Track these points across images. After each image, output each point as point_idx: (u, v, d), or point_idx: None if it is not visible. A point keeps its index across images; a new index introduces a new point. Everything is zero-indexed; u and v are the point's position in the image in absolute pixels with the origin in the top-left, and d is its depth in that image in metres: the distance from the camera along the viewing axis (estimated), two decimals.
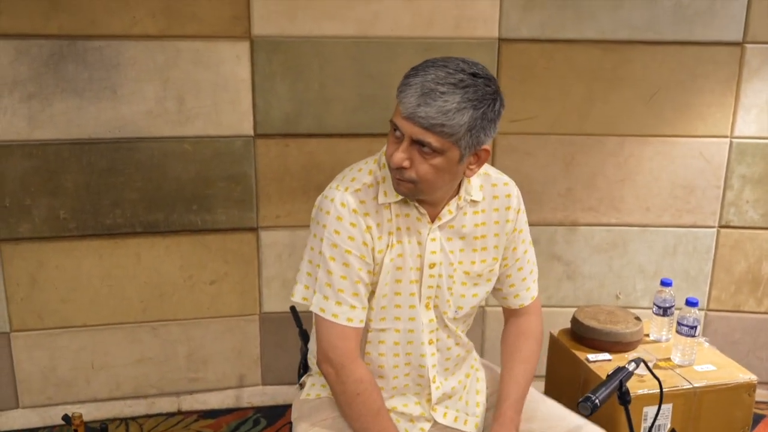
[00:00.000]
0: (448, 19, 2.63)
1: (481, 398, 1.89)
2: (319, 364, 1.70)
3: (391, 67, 2.67)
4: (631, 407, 1.74)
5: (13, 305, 2.65)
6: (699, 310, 2.93)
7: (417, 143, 1.52)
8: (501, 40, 2.67)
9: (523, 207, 1.81)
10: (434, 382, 1.78)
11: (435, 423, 1.81)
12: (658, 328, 2.44)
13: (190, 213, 2.69)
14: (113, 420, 2.81)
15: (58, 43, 2.48)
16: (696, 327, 2.25)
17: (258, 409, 2.94)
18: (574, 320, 2.44)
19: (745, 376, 2.21)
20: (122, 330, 2.76)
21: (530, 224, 2.77)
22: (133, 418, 2.84)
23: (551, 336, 2.50)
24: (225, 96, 2.61)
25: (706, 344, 2.43)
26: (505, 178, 1.79)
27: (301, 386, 1.93)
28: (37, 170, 2.56)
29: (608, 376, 1.73)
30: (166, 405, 2.88)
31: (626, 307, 2.78)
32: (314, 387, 1.84)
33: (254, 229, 2.76)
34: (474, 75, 1.51)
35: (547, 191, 2.82)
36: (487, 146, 1.60)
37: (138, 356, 2.80)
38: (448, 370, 1.83)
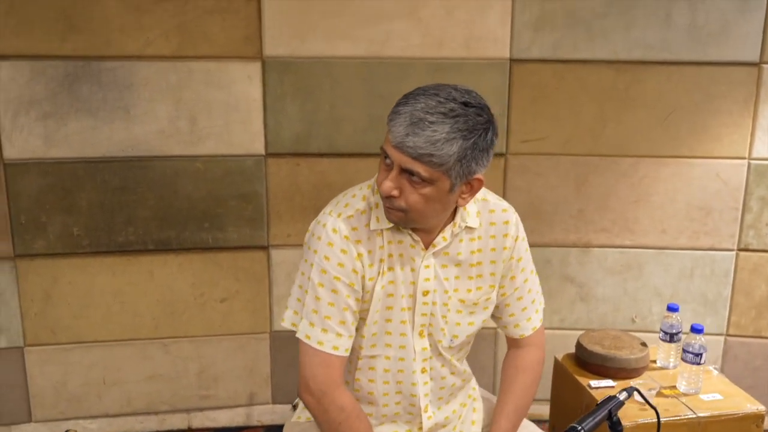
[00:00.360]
0: (458, 39, 2.67)
1: (477, 429, 1.90)
2: (299, 393, 1.70)
3: (402, 87, 2.65)
4: None
5: (27, 320, 2.73)
6: (718, 335, 2.93)
7: (406, 172, 1.53)
8: (512, 60, 2.69)
9: (522, 234, 1.80)
10: (426, 411, 1.78)
11: None
12: (665, 355, 2.42)
13: (201, 231, 2.76)
14: None
15: (73, 64, 2.56)
16: (702, 354, 2.23)
17: (268, 428, 2.98)
18: (578, 345, 2.44)
19: (753, 406, 2.19)
20: (134, 346, 2.82)
21: (543, 245, 2.82)
22: None
23: (555, 360, 2.50)
24: (237, 116, 2.67)
25: (715, 372, 2.40)
26: (504, 204, 1.79)
27: (294, 408, 1.96)
28: (52, 188, 2.64)
29: (597, 405, 1.73)
30: (176, 421, 2.94)
31: (642, 331, 2.77)
32: (305, 410, 1.86)
33: (265, 248, 2.81)
34: (465, 104, 1.51)
35: (559, 212, 2.83)
36: (480, 176, 1.59)
37: (149, 373, 2.86)
38: (442, 399, 1.83)
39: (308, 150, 2.73)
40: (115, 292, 2.76)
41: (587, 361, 2.38)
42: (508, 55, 2.69)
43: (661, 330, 2.43)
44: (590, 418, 1.58)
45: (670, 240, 2.85)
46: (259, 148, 2.71)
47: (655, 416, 1.75)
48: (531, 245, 2.88)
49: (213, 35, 2.59)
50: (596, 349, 2.38)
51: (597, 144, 2.77)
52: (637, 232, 2.85)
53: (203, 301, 2.82)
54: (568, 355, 2.49)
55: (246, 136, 2.69)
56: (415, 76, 2.68)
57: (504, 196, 2.77)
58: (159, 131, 2.65)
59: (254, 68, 2.64)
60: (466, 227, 1.71)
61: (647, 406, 2.09)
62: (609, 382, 2.30)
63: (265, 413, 3.01)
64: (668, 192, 2.81)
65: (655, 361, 2.45)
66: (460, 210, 1.68)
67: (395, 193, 1.55)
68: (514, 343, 1.89)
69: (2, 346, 2.72)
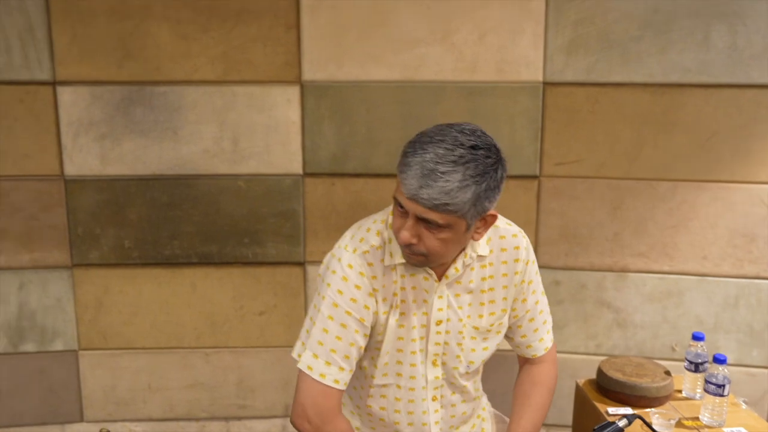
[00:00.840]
0: (491, 63, 2.76)
1: None
2: (293, 420, 1.77)
3: (436, 110, 2.82)
4: None
5: (81, 326, 2.98)
6: (764, 368, 2.85)
7: (423, 220, 1.61)
8: (545, 83, 2.76)
9: (532, 258, 1.87)
10: None
11: None
12: (690, 385, 2.39)
13: (242, 246, 2.95)
14: None
15: (128, 89, 2.82)
16: (725, 386, 2.19)
17: None
18: (599, 371, 2.44)
19: None
20: (177, 354, 3.03)
21: (578, 269, 2.86)
22: None
23: (576, 385, 2.52)
24: (276, 137, 2.86)
25: (744, 405, 2.35)
26: (515, 229, 1.86)
27: None
28: (106, 203, 2.89)
29: (593, 429, 1.76)
30: (215, 429, 3.12)
31: (682, 360, 2.75)
32: None
33: (301, 264, 2.96)
34: (473, 147, 1.58)
35: (594, 236, 2.85)
36: (494, 211, 1.68)
37: (191, 380, 3.06)
38: (453, 427, 1.92)
39: (344, 170, 2.87)
40: (160, 302, 2.98)
41: (607, 387, 2.39)
42: (541, 79, 2.76)
43: (686, 359, 2.40)
44: None
45: (711, 267, 2.82)
46: (297, 168, 2.88)
47: None
48: (565, 268, 2.95)
49: (255, 61, 2.79)
50: (616, 375, 2.39)
51: (633, 167, 2.79)
52: (676, 258, 2.84)
53: (242, 313, 3.01)
54: (589, 381, 2.50)
55: (285, 156, 2.87)
56: (449, 99, 2.80)
57: (537, 218, 2.84)
58: (204, 151, 2.87)
59: (293, 92, 2.82)
60: (478, 256, 1.78)
61: None
62: (627, 410, 2.30)
63: None
64: (708, 217, 2.79)
65: (680, 391, 2.42)
66: (470, 244, 1.76)
67: (414, 240, 1.64)
68: (527, 361, 1.97)
69: (58, 349, 2.98)
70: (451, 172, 1.54)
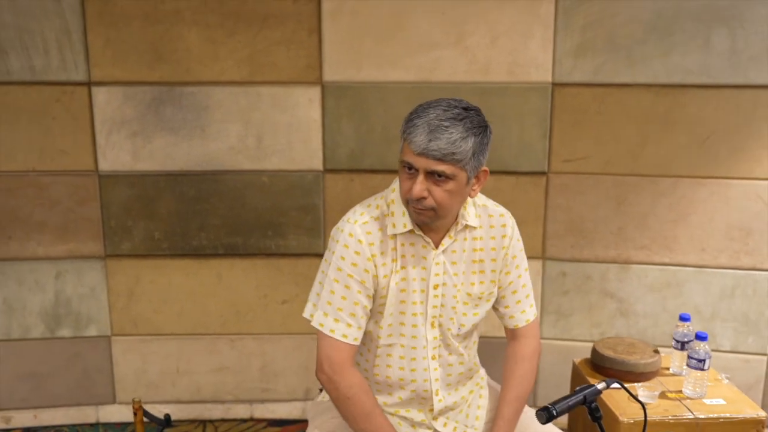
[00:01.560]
0: (502, 65, 3.01)
1: (482, 413, 2.22)
2: (316, 372, 2.07)
3: None
4: None
5: (114, 313, 3.25)
6: (760, 355, 3.10)
7: (431, 174, 1.87)
8: (554, 84, 3.01)
9: (517, 236, 2.14)
10: (437, 395, 2.12)
11: (436, 431, 2.16)
12: (678, 363, 2.68)
13: (265, 238, 3.20)
14: (193, 421, 3.36)
15: (159, 89, 3.07)
16: (705, 360, 2.49)
17: None
18: (593, 350, 2.72)
19: (754, 411, 2.41)
20: (204, 340, 3.30)
21: (583, 261, 3.11)
22: (211, 421, 3.36)
23: (573, 364, 2.79)
24: (298, 135, 3.11)
25: (726, 381, 2.63)
26: (502, 209, 2.13)
27: (320, 391, 2.34)
28: (137, 197, 3.16)
29: (574, 390, 2.01)
30: (240, 411, 3.39)
31: None
32: None
33: (321, 255, 3.18)
34: (466, 108, 1.88)
35: (599, 229, 3.10)
36: (486, 168, 1.95)
37: (217, 365, 3.33)
38: (450, 386, 2.17)
39: (362, 166, 3.13)
40: (188, 291, 3.25)
41: (600, 365, 2.67)
42: (550, 80, 3.01)
43: (673, 339, 2.70)
44: (564, 401, 1.88)
45: (709, 259, 3.07)
46: (317, 164, 3.13)
47: (660, 415, 2.01)
48: (572, 260, 3.20)
49: (279, 63, 3.04)
50: (608, 353, 2.67)
51: (636, 164, 3.04)
52: (676, 250, 3.08)
53: (266, 302, 3.27)
54: (585, 360, 2.78)
55: (306, 153, 3.12)
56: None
57: (546, 213, 3.09)
58: (230, 148, 3.12)
59: (315, 92, 3.07)
60: (468, 226, 2.05)
61: (648, 405, 2.37)
62: (615, 384, 2.56)
63: None
64: (707, 212, 3.03)
65: (668, 369, 2.71)
66: (461, 213, 2.02)
67: (425, 194, 1.88)
68: (512, 335, 2.22)
69: (93, 335, 3.26)
70: (453, 126, 1.83)
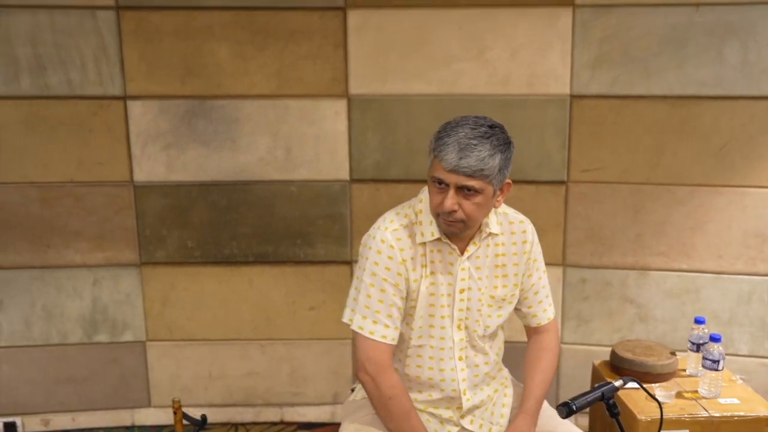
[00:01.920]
0: (521, 77, 3.17)
1: (506, 410, 2.38)
2: (356, 373, 2.25)
3: None
4: None
5: (149, 319, 3.44)
6: None
7: (461, 189, 2.05)
8: (572, 96, 3.17)
9: (536, 240, 2.31)
10: (464, 394, 2.28)
11: (462, 428, 2.31)
12: (694, 364, 2.83)
13: (294, 246, 3.38)
14: (225, 424, 3.54)
15: (191, 103, 3.26)
16: (719, 361, 2.64)
17: None
18: (613, 352, 2.88)
19: (767, 410, 2.53)
20: (235, 346, 3.48)
21: (602, 267, 3.26)
22: (242, 424, 3.54)
23: (593, 366, 2.94)
24: (325, 146, 3.29)
25: (740, 381, 2.77)
26: (521, 216, 2.31)
27: (352, 391, 2.51)
28: (171, 207, 3.35)
29: (593, 387, 2.15)
30: (270, 415, 3.57)
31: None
32: (360, 391, 2.41)
33: (348, 263, 3.39)
34: (491, 126, 2.07)
35: (617, 237, 3.26)
36: (509, 180, 2.13)
37: (248, 370, 3.51)
38: (477, 386, 2.32)
39: (387, 177, 3.30)
40: (220, 297, 3.43)
41: (619, 366, 2.83)
42: (568, 92, 3.17)
43: (689, 341, 2.85)
44: (583, 397, 2.03)
45: (726, 266, 3.21)
46: (344, 174, 3.31)
47: (676, 413, 2.15)
48: (591, 267, 3.34)
49: (306, 77, 3.23)
50: (627, 355, 2.82)
51: (653, 173, 3.19)
52: (694, 257, 3.23)
53: (295, 308, 3.44)
54: (604, 362, 2.94)
55: (333, 164, 3.30)
56: (483, 111, 3.12)
57: (565, 221, 3.24)
58: (259, 159, 3.31)
59: (341, 105, 3.24)
60: (490, 234, 2.21)
61: (665, 405, 2.51)
62: (634, 384, 2.71)
63: None
64: (724, 219, 3.17)
65: (684, 370, 2.86)
66: (484, 221, 2.19)
67: (455, 208, 2.06)
68: (533, 331, 2.39)
69: (129, 340, 3.45)
70: (481, 144, 2.01)
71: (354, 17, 3.16)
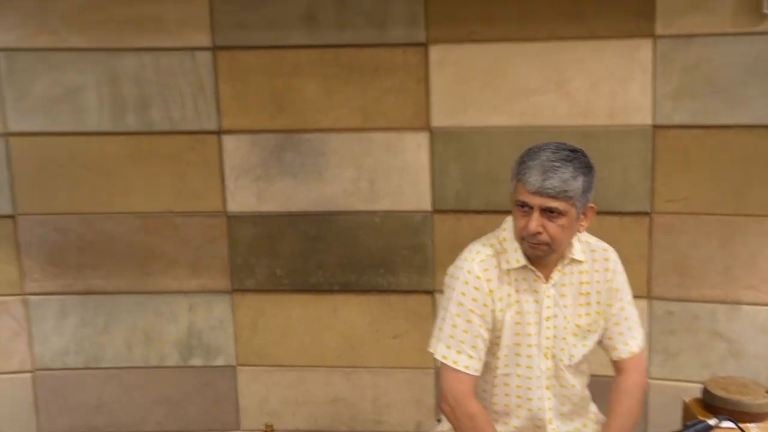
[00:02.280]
0: (602, 109, 3.24)
1: None
2: (439, 403, 2.35)
3: None
4: None
5: (239, 344, 3.66)
6: None
7: (545, 211, 2.16)
8: (655, 127, 3.21)
9: (620, 269, 2.38)
10: (551, 423, 2.37)
11: None
12: None
13: (377, 276, 3.54)
14: None
15: (281, 137, 3.49)
16: None
17: None
18: (705, 389, 2.83)
19: None
20: (321, 372, 3.65)
21: (689, 300, 3.25)
22: None
23: (683, 403, 2.91)
24: (408, 178, 3.44)
25: None
26: (604, 245, 2.39)
27: (439, 421, 2.61)
28: (261, 236, 3.57)
29: (685, 425, 2.16)
30: None
31: None
32: (446, 421, 2.48)
33: (430, 292, 3.51)
34: (573, 150, 2.19)
35: (705, 269, 3.25)
36: (593, 204, 2.24)
37: (333, 396, 3.67)
38: (564, 415, 2.40)
39: (468, 207, 3.42)
40: (307, 324, 3.62)
41: (711, 404, 2.78)
42: (650, 122, 3.22)
43: None
44: None
45: None
46: (426, 205, 3.45)
47: None
48: (678, 300, 3.32)
49: (389, 111, 3.40)
50: (720, 393, 2.77)
51: (742, 204, 3.18)
52: None
53: (378, 337, 3.59)
54: (696, 399, 2.88)
55: (415, 195, 3.45)
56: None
57: (650, 252, 3.27)
58: (344, 191, 3.49)
59: (423, 138, 3.40)
60: (575, 260, 2.31)
61: None
62: (729, 423, 2.67)
63: None
64: None
65: None
66: (568, 248, 2.29)
67: (540, 230, 2.18)
68: (616, 368, 2.44)
69: (220, 364, 3.68)
70: (564, 166, 2.13)
71: (435, 52, 3.33)
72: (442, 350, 2.29)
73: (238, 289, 3.63)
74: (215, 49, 3.44)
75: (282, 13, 3.40)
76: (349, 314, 3.60)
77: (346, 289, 3.57)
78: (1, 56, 3.46)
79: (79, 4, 3.42)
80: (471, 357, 2.26)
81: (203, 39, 3.44)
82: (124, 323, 3.66)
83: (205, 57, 3.45)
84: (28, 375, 3.70)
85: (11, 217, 3.57)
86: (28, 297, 3.65)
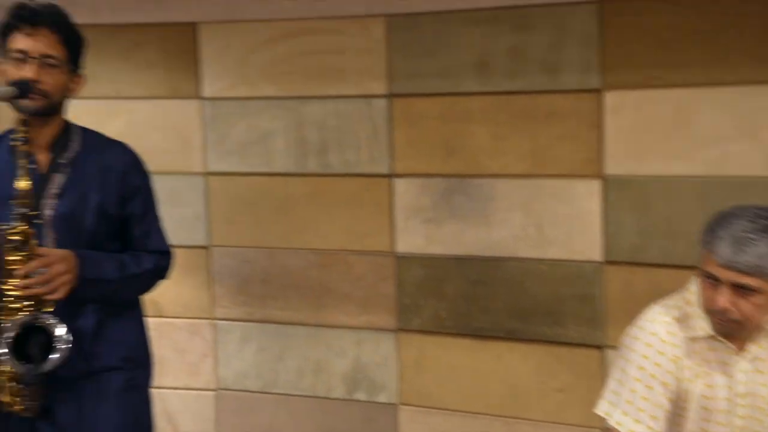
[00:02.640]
0: None
1: None
2: None
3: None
4: None
5: (402, 383, 3.25)
6: None
7: (736, 287, 1.68)
8: None
9: None
10: None
11: None
12: None
13: (544, 325, 3.00)
14: None
15: (451, 181, 3.08)
16: None
17: None
18: None
19: None
20: (482, 420, 3.14)
21: None
22: None
23: None
24: (578, 226, 2.90)
25: None
26: None
27: None
28: (428, 278, 3.16)
29: None
30: None
31: None
32: None
33: (599, 347, 2.92)
34: None
35: None
36: None
37: None
38: None
39: (644, 260, 2.81)
40: (470, 369, 3.13)
41: None
42: None
43: None
44: None
45: None
46: (596, 255, 2.88)
47: None
48: None
49: (559, 158, 2.89)
50: None
51: None
52: None
53: (543, 388, 3.03)
54: None
55: (585, 244, 2.89)
56: (757, 194, 2.60)
57: None
58: (512, 236, 3.01)
59: (595, 185, 2.85)
60: None
61: None
62: None
63: None
64: None
65: None
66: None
67: (729, 306, 1.70)
68: None
69: (382, 401, 3.28)
70: (760, 239, 1.65)
71: (611, 98, 2.78)
72: (617, 416, 1.81)
73: (403, 328, 3.22)
74: (391, 96, 3.12)
75: (455, 62, 3.03)
76: (514, 363, 3.07)
77: (511, 336, 3.06)
78: (207, 104, 3.35)
79: (273, 58, 3.25)
80: (650, 428, 1.77)
81: (380, 87, 3.13)
82: (297, 352, 3.37)
83: (380, 104, 3.13)
84: (212, 393, 3.50)
85: (205, 248, 3.43)
86: (217, 321, 3.46)
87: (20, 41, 1.89)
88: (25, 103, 1.89)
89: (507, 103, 2.97)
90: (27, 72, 1.88)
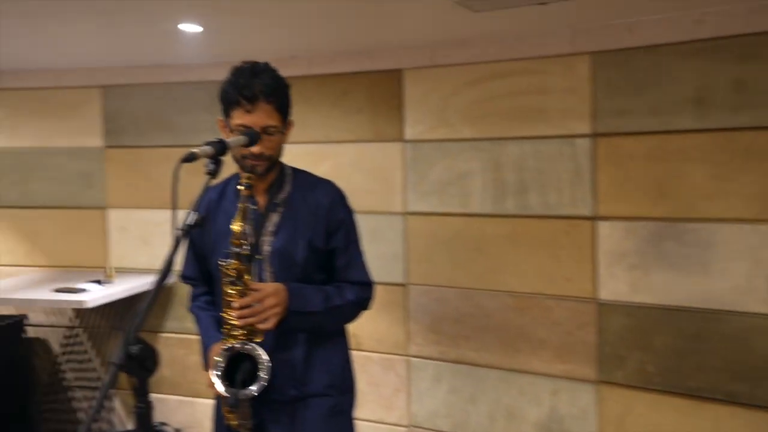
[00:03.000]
0: None
1: None
2: None
3: None
4: None
5: None
6: None
7: None
8: None
9: None
10: None
11: None
12: None
13: None
14: None
15: (660, 225, 2.50)
16: None
17: None
18: None
19: None
20: None
21: None
22: None
23: None
24: None
25: None
26: None
27: None
28: (633, 328, 2.57)
29: None
30: None
31: None
32: None
33: None
34: None
35: None
36: None
37: None
38: None
39: None
40: None
41: None
42: None
43: None
44: None
45: None
46: None
47: None
48: None
49: None
50: None
51: None
52: None
53: None
54: None
55: None
56: None
57: None
58: (734, 288, 2.36)
59: None
60: None
61: None
62: None
63: None
64: None
65: None
66: None
67: None
68: None
69: None
70: None
71: None
72: None
73: (605, 380, 2.63)
74: (595, 135, 2.62)
75: (668, 98, 2.47)
76: (735, 430, 2.39)
77: (733, 400, 2.37)
78: (408, 146, 3.05)
79: (473, 100, 2.87)
80: None
81: (583, 126, 2.64)
82: (489, 396, 2.89)
83: (584, 144, 2.64)
84: (405, 429, 3.11)
85: (403, 285, 3.09)
86: (410, 358, 3.08)
87: (241, 117, 1.85)
88: (252, 165, 1.86)
89: (728, 140, 2.36)
90: (254, 149, 1.84)
